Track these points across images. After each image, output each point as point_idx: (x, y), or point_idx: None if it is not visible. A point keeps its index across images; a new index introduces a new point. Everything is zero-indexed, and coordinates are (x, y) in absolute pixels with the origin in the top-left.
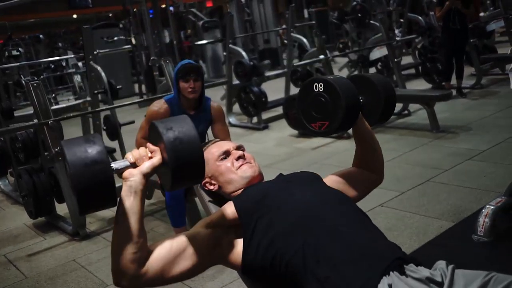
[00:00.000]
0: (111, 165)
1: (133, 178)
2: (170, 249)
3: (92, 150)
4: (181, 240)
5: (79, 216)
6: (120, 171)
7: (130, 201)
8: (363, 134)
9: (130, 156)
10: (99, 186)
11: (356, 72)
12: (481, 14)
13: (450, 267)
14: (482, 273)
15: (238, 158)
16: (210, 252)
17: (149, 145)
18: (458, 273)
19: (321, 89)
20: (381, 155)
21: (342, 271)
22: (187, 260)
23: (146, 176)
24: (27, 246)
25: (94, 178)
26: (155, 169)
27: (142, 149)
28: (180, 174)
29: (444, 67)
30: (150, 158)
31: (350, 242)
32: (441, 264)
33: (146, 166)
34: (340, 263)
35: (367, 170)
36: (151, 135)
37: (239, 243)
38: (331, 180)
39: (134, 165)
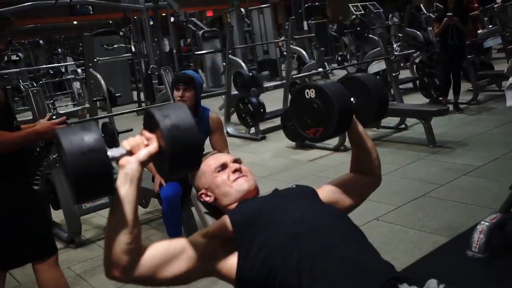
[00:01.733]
0: (108, 153)
1: (129, 166)
2: (168, 249)
3: (89, 138)
4: (179, 242)
5: (75, 204)
6: (116, 159)
7: (126, 189)
8: (358, 136)
9: (126, 144)
10: (96, 174)
11: None
12: (479, 31)
13: (441, 286)
14: None
15: (235, 171)
16: (205, 260)
17: (145, 132)
18: None
19: (312, 95)
20: (377, 157)
21: None
22: (183, 263)
23: (143, 163)
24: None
25: (91, 166)
26: (151, 157)
27: (138, 137)
28: (178, 161)
29: (441, 82)
30: (146, 146)
31: (344, 260)
32: (432, 283)
33: (142, 153)
34: (334, 280)
35: (364, 173)
36: (146, 122)
37: (234, 257)
38: (327, 191)
39: (130, 153)
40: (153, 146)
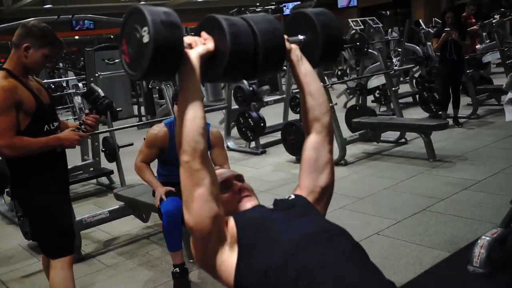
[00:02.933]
0: None
1: (190, 56)
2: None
3: (170, 15)
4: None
5: (140, 78)
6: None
7: (191, 78)
8: (302, 75)
9: (186, 39)
10: (172, 49)
11: (354, 100)
12: (477, 46)
13: None
14: None
15: (238, 190)
16: (221, 230)
17: (204, 33)
18: None
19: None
20: (326, 102)
21: None
22: (219, 201)
23: (201, 57)
24: (21, 268)
25: (170, 36)
26: (208, 53)
27: (195, 37)
28: (235, 61)
29: (440, 96)
30: (203, 44)
31: (344, 277)
32: None
33: (201, 47)
34: None
35: (313, 123)
36: (205, 25)
37: (233, 257)
38: (302, 188)
39: (190, 46)
40: (211, 45)
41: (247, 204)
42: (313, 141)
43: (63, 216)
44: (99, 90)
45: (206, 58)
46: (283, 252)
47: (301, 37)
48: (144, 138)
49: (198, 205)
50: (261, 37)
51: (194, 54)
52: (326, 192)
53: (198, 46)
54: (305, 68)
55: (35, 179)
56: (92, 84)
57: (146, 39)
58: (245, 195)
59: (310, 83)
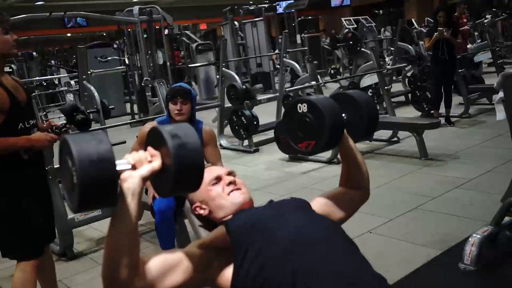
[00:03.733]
0: None
1: (131, 180)
2: (164, 261)
3: (100, 148)
4: (175, 254)
5: (74, 212)
6: (120, 172)
7: (127, 203)
8: (348, 151)
9: (130, 158)
10: (103, 185)
11: None
12: (468, 46)
13: None
14: None
15: (229, 183)
16: (201, 271)
17: (150, 149)
18: None
19: (304, 109)
20: (366, 171)
21: None
22: (179, 275)
23: (145, 179)
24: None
25: (99, 175)
26: (153, 174)
27: (142, 152)
28: (181, 180)
29: (433, 96)
30: (149, 162)
31: (337, 274)
32: None
33: (145, 169)
34: None
35: (353, 187)
36: (152, 139)
37: (229, 268)
38: (319, 203)
39: (133, 167)
40: (157, 163)
41: (239, 197)
42: (350, 192)
43: (32, 216)
44: (81, 107)
45: (152, 177)
46: (278, 249)
47: (344, 115)
48: (137, 136)
49: None
50: (328, 118)
51: (136, 178)
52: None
53: (142, 166)
54: (352, 142)
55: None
56: (73, 102)
57: (75, 179)
58: (237, 188)
59: (358, 154)
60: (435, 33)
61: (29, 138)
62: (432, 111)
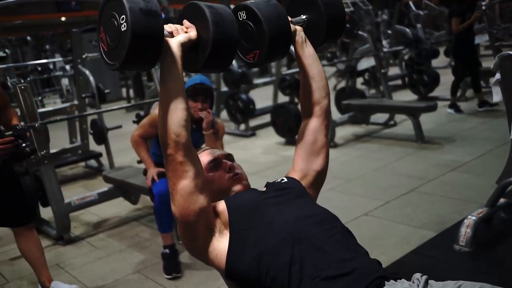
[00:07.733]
0: None
1: (171, 44)
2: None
3: (149, 3)
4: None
5: (118, 69)
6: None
7: (170, 66)
8: (305, 58)
9: (167, 27)
10: (152, 35)
11: (343, 82)
12: None
13: (424, 277)
14: (451, 282)
15: (229, 169)
16: (209, 221)
17: (186, 21)
18: (431, 283)
19: (244, 17)
20: (326, 86)
21: None
22: (204, 193)
23: (182, 45)
24: (10, 250)
25: (149, 26)
26: (190, 42)
27: (177, 25)
28: (215, 54)
29: (456, 80)
30: (185, 32)
31: (333, 260)
32: (416, 275)
33: (183, 36)
34: (323, 280)
35: (311, 106)
36: (187, 13)
37: (225, 241)
38: (296, 170)
39: (171, 34)
40: (194, 33)
41: (238, 184)
42: (310, 124)
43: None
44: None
45: (188, 47)
46: (277, 237)
47: (303, 16)
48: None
49: (182, 197)
50: (266, 24)
51: (175, 43)
52: (320, 176)
53: (179, 34)
54: (308, 51)
55: None
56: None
57: (124, 27)
58: (236, 173)
59: (312, 65)
60: (475, 14)
61: None
62: (429, 94)
